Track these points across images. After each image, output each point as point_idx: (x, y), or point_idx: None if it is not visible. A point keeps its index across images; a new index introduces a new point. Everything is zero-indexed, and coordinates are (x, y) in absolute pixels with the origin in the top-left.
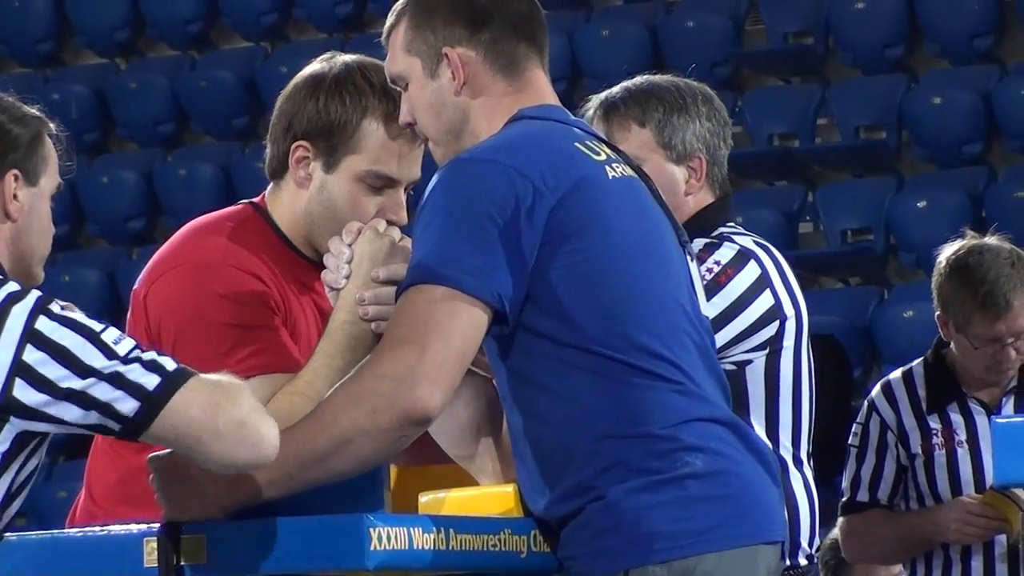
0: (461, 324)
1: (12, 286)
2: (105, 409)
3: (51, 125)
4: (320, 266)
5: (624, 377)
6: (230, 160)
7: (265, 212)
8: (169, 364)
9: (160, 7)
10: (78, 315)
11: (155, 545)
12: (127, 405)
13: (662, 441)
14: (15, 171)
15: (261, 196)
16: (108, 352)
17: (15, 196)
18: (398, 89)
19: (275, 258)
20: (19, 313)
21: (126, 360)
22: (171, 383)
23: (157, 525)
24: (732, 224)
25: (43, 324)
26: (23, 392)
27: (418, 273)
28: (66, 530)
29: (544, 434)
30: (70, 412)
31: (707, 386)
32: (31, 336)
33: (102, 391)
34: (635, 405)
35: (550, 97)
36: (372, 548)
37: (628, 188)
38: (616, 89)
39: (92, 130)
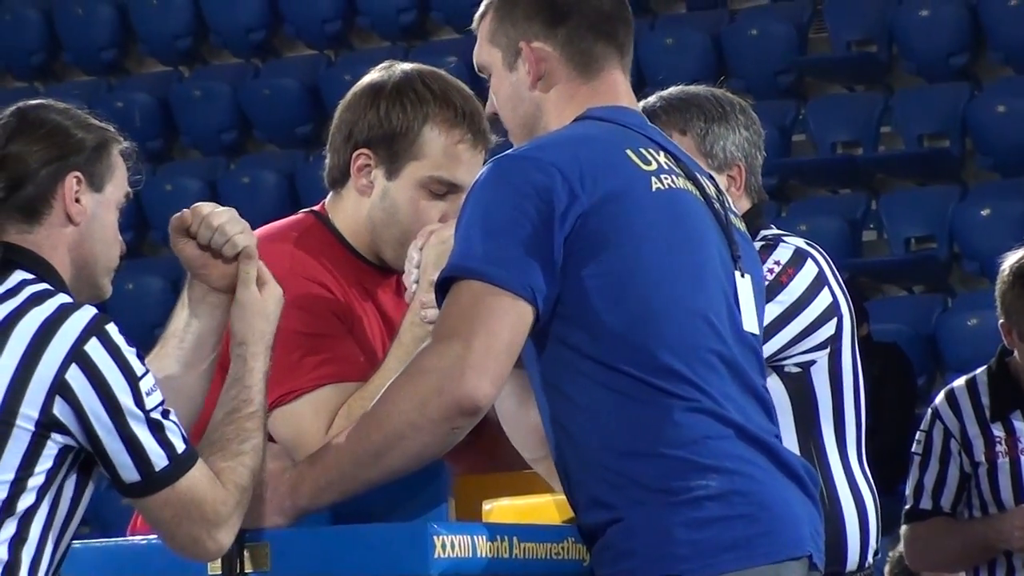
0: (503, 316)
1: (65, 297)
2: (111, 466)
3: (122, 140)
4: (383, 272)
5: (641, 395)
6: (294, 168)
7: (327, 220)
8: (180, 444)
9: (223, 15)
10: (128, 351)
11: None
12: (130, 476)
13: (676, 461)
14: (77, 173)
15: (321, 204)
16: (139, 400)
17: (77, 199)
18: (484, 76)
19: (339, 266)
20: (72, 327)
21: (150, 421)
22: (176, 469)
23: None
24: (770, 227)
25: (92, 347)
26: (61, 410)
27: (458, 267)
28: (129, 538)
29: (566, 444)
30: (87, 444)
31: (733, 404)
32: (77, 356)
33: (116, 449)
34: (650, 425)
35: (624, 97)
36: (436, 556)
37: (672, 201)
38: (652, 99)
39: (155, 138)
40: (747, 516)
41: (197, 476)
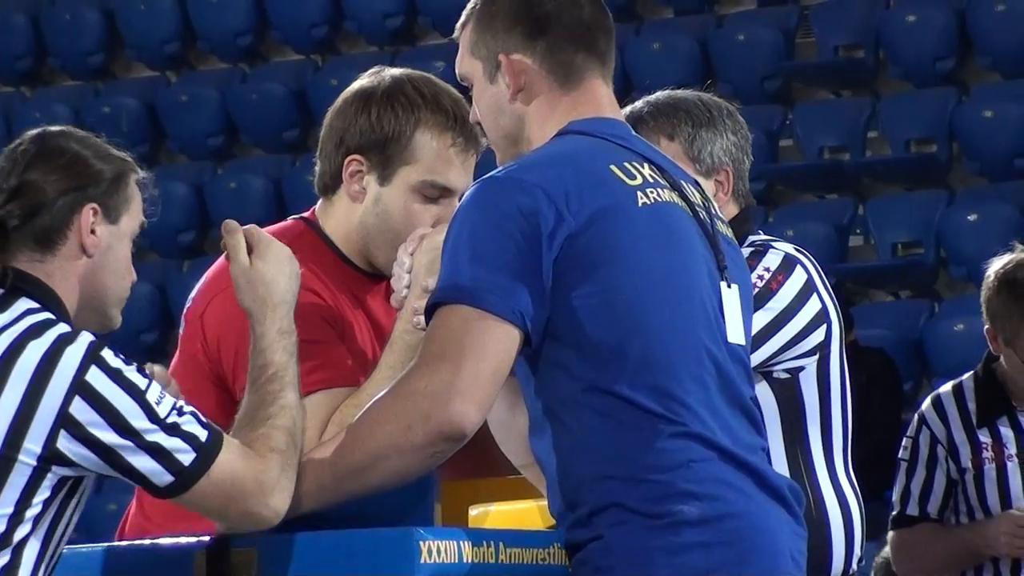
0: (493, 343)
1: (63, 327)
2: (137, 475)
3: (140, 171)
4: (374, 279)
5: (628, 419)
6: (281, 173)
7: (317, 227)
8: (203, 434)
9: (211, 20)
10: (128, 369)
11: (205, 558)
12: (162, 479)
13: (659, 486)
14: (94, 205)
15: (311, 211)
16: (151, 414)
17: (93, 231)
18: (466, 85)
19: (330, 272)
20: (71, 360)
21: (166, 426)
22: (204, 460)
23: (208, 538)
24: (758, 233)
25: (94, 375)
26: (66, 444)
27: (446, 292)
28: (116, 543)
29: (552, 464)
30: (107, 469)
31: (720, 421)
32: (80, 387)
33: (141, 461)
34: (635, 449)
35: (607, 108)
36: (422, 561)
37: (658, 216)
38: (640, 103)
39: (142, 143)
40: (725, 543)
41: (228, 457)
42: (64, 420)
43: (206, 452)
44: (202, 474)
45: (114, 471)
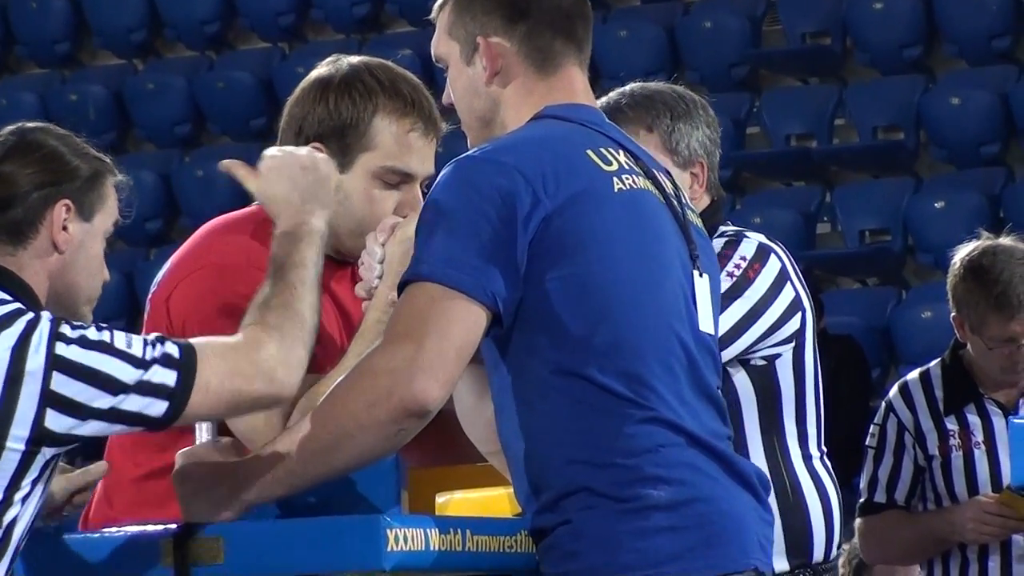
0: (458, 321)
1: (28, 315)
2: (136, 417)
3: (118, 173)
4: (340, 264)
5: (597, 403)
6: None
7: None
8: (175, 351)
9: (177, 8)
10: (88, 331)
11: (172, 546)
12: (157, 408)
13: (627, 471)
14: (67, 201)
15: None
16: (132, 360)
17: (65, 227)
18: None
19: None
20: (39, 342)
21: (144, 363)
22: (187, 372)
23: (174, 526)
24: (727, 223)
25: (63, 349)
26: (55, 421)
27: (417, 270)
28: (83, 532)
29: (520, 448)
30: (102, 428)
31: (688, 408)
32: (56, 363)
33: (132, 403)
34: (603, 433)
35: (582, 95)
36: (389, 549)
37: (633, 202)
38: (615, 95)
39: (109, 131)
40: (693, 527)
41: (209, 360)
42: (49, 399)
43: (184, 364)
44: (191, 385)
45: (117, 425)
